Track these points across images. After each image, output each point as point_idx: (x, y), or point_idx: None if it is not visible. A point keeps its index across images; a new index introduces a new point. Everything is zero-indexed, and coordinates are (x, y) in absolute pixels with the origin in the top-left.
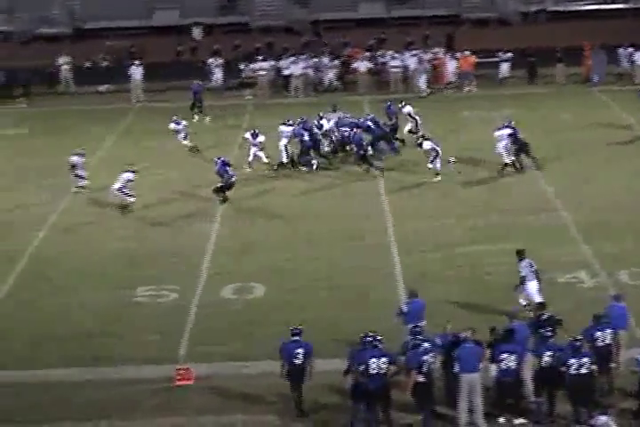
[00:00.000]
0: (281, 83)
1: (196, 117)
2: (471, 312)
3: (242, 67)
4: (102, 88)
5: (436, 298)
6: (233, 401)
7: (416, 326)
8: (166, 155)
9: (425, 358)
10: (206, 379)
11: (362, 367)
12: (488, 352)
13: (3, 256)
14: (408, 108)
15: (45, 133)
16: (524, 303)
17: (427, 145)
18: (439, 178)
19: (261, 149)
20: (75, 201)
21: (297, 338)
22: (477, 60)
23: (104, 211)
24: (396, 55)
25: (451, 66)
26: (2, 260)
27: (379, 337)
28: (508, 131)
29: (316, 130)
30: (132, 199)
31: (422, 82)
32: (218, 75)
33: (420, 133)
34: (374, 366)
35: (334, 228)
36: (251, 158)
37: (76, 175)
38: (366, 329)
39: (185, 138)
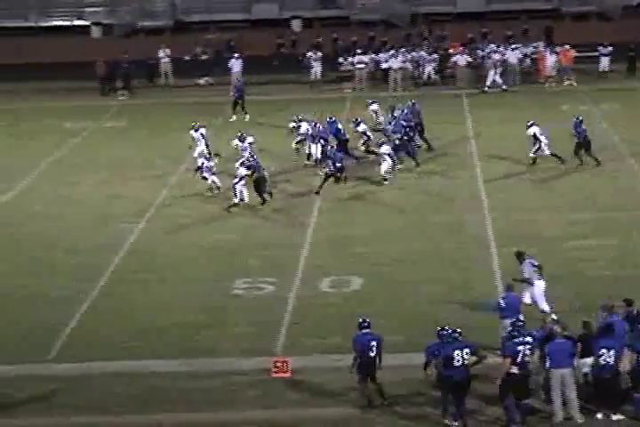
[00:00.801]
0: (380, 76)
1: (234, 117)
2: (568, 306)
3: (340, 60)
4: (202, 81)
5: None
6: (329, 394)
7: (518, 320)
8: (265, 148)
9: (520, 348)
10: (303, 372)
11: (445, 360)
12: (579, 347)
13: (102, 248)
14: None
15: (144, 126)
16: (529, 302)
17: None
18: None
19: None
20: (173, 193)
21: (368, 331)
22: (577, 54)
23: (202, 203)
24: (496, 49)
25: (550, 60)
26: (102, 252)
27: (458, 330)
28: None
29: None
30: (238, 199)
31: (492, 75)
32: (317, 68)
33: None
34: (458, 357)
35: (432, 220)
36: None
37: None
38: (463, 323)
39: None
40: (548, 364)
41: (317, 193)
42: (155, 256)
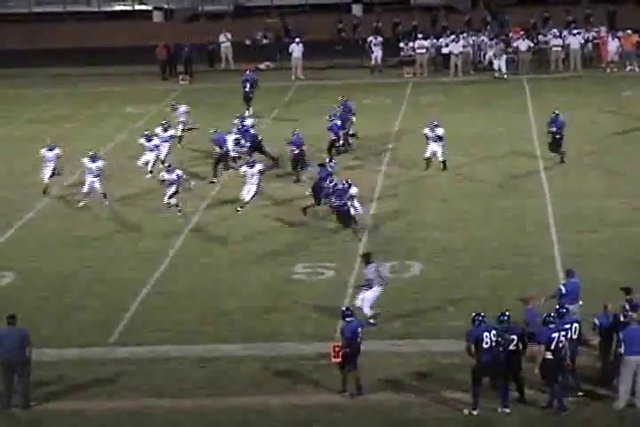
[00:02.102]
0: (440, 61)
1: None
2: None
3: (401, 45)
4: (262, 66)
5: (594, 278)
6: (391, 379)
7: (562, 308)
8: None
9: (555, 335)
10: (363, 356)
11: (475, 343)
12: None
13: (165, 232)
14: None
15: (205, 110)
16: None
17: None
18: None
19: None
20: (232, 178)
21: (352, 318)
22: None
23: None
24: (558, 34)
25: (612, 45)
26: (165, 235)
27: (507, 313)
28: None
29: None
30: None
31: (502, 64)
32: (377, 53)
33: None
34: (487, 339)
35: (494, 206)
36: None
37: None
38: (521, 308)
39: None
40: (622, 350)
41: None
42: (217, 241)
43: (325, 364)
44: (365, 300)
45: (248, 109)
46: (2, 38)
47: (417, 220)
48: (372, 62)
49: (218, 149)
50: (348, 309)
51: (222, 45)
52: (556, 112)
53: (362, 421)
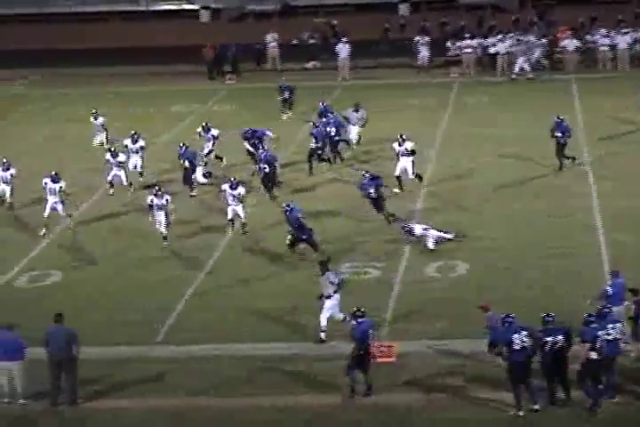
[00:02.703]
0: (487, 61)
1: (285, 116)
2: None
3: (448, 44)
4: (309, 65)
5: None
6: (436, 379)
7: (604, 308)
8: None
9: (599, 333)
10: (407, 356)
11: (506, 344)
12: None
13: (210, 230)
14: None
15: (251, 110)
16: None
17: None
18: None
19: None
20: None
21: (364, 319)
22: None
23: (313, 185)
24: (606, 33)
25: None
26: (209, 235)
27: (552, 314)
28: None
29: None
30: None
31: (521, 63)
32: (424, 53)
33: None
34: (517, 341)
35: (538, 207)
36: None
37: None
38: (571, 309)
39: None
40: None
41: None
42: (261, 239)
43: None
44: (324, 309)
45: (287, 113)
46: (48, 38)
47: (463, 219)
48: (419, 62)
49: (313, 143)
50: (359, 309)
51: (269, 45)
52: (561, 117)
53: (406, 421)
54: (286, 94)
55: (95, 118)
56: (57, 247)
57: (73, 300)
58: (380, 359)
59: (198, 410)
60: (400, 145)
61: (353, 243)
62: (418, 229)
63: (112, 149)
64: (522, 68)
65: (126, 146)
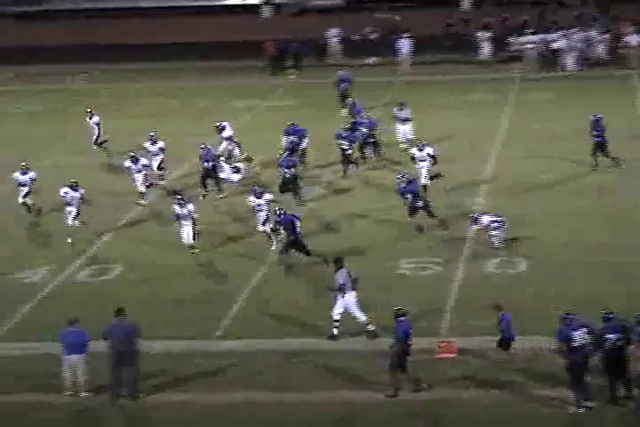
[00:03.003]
0: (549, 56)
1: (344, 111)
2: None
3: (510, 40)
4: (370, 60)
5: None
6: (495, 375)
7: None
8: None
9: None
10: (467, 352)
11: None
12: None
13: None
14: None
15: (313, 106)
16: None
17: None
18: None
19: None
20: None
21: (404, 318)
22: None
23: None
24: None
25: None
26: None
27: (614, 311)
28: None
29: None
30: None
31: (570, 58)
32: (486, 49)
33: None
34: (577, 338)
35: (596, 203)
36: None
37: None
38: (629, 306)
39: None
40: None
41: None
42: (324, 233)
43: (426, 359)
44: (349, 307)
45: (343, 108)
46: (115, 32)
47: (524, 217)
48: (481, 57)
49: (345, 145)
50: (400, 308)
51: (331, 40)
52: (599, 115)
53: (469, 417)
54: (343, 86)
55: (90, 118)
56: (120, 240)
57: (135, 293)
58: (440, 355)
59: (257, 405)
60: (420, 150)
61: (411, 239)
62: (485, 219)
63: (132, 154)
64: (569, 64)
65: (145, 148)
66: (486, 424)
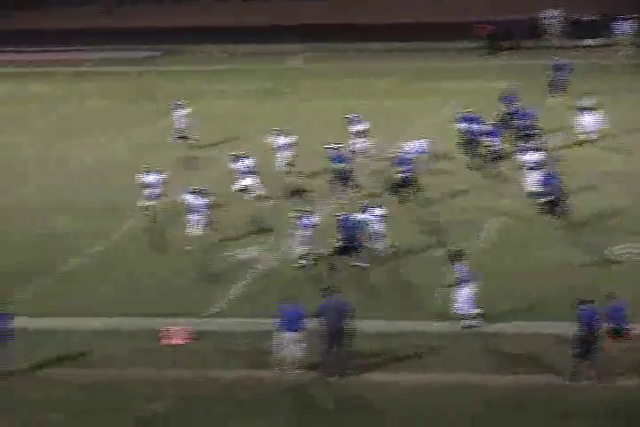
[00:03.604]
0: None
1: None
2: None
3: None
4: (589, 42)
5: None
6: None
7: None
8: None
9: None
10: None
11: None
12: None
13: None
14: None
15: (531, 87)
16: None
17: None
18: None
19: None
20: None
21: (588, 306)
22: None
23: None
24: None
25: None
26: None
27: None
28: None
29: None
30: None
31: None
32: None
33: None
34: None
35: None
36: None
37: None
38: None
39: None
40: None
41: None
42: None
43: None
44: (463, 300)
45: (554, 97)
46: (300, 13)
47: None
48: None
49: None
50: (584, 299)
51: (549, 21)
52: None
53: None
54: (558, 75)
55: (177, 109)
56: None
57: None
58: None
59: (466, 386)
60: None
61: (626, 227)
62: None
63: (235, 153)
64: None
65: (271, 143)
66: None
